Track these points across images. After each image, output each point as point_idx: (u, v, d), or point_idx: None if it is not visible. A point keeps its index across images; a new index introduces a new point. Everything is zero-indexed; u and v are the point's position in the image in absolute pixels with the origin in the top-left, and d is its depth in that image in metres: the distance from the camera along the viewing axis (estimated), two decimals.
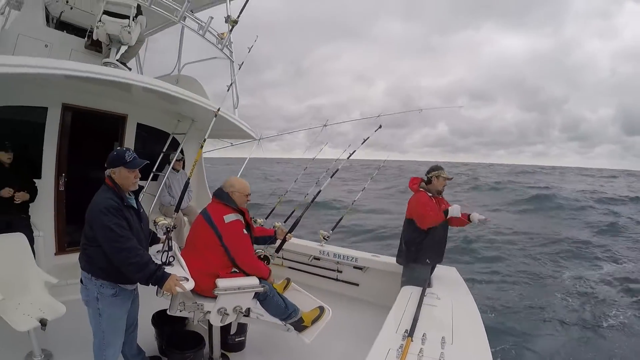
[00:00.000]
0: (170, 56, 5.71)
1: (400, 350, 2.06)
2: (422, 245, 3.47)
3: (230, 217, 2.63)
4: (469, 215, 3.52)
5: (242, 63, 4.69)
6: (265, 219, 4.99)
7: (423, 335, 2.25)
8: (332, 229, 4.98)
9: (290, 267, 4.92)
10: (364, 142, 4.69)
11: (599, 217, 18.65)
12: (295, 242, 4.79)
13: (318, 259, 4.78)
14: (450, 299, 3.09)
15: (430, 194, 3.55)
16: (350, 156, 4.66)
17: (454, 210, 3.32)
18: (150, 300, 2.54)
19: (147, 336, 2.81)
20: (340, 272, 4.72)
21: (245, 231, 2.68)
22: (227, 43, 4.76)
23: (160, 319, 2.87)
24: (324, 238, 4.79)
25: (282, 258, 4.93)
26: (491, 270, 10.03)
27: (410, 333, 2.25)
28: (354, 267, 4.60)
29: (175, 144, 5.10)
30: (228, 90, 3.84)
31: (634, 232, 15.43)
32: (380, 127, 4.80)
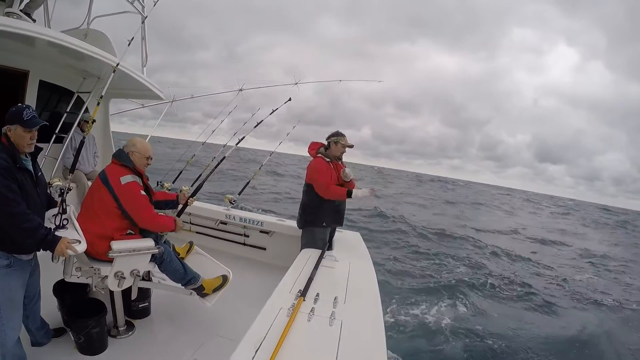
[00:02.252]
0: (83, 8, 5.30)
1: (291, 309, 2.14)
2: (319, 209, 3.64)
3: (127, 179, 2.58)
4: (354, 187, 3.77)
5: (146, 17, 4.56)
6: (173, 182, 4.97)
7: (316, 295, 2.39)
8: (239, 193, 5.16)
9: (198, 232, 5.02)
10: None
11: None
12: (201, 206, 4.91)
13: (225, 223, 4.91)
14: (349, 261, 3.26)
15: (328, 160, 3.70)
16: (257, 125, 4.78)
17: (358, 194, 3.55)
18: (54, 270, 2.48)
19: (51, 308, 2.76)
20: (248, 236, 4.90)
21: (143, 192, 2.65)
22: None
23: (62, 289, 2.82)
24: (230, 202, 4.93)
25: (190, 223, 5.02)
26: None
27: (303, 293, 2.37)
28: (261, 232, 4.79)
29: (80, 104, 4.81)
30: (129, 44, 3.66)
31: None
32: (290, 99, 4.92)
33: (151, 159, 2.81)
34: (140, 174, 2.73)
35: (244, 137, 4.37)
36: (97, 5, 5.08)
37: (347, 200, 3.77)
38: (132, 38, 3.69)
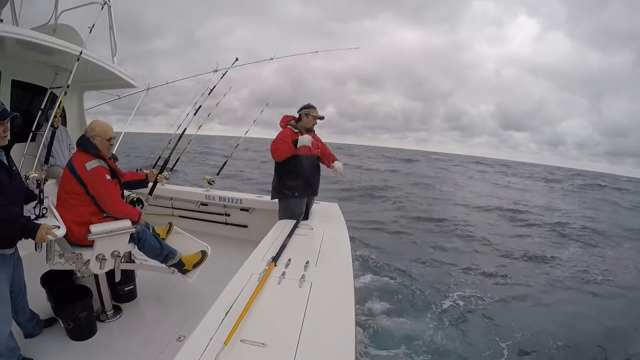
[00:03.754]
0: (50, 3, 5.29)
1: (262, 274, 2.26)
2: (289, 180, 3.80)
3: (91, 164, 2.66)
4: (334, 161, 3.99)
5: (110, 6, 4.64)
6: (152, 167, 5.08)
7: (288, 261, 2.54)
8: (217, 173, 5.30)
9: (181, 216, 5.16)
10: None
11: None
12: (180, 189, 5.08)
13: (205, 204, 5.06)
14: (323, 229, 3.43)
15: (297, 130, 3.85)
16: (212, 90, 4.90)
17: (304, 139, 3.63)
18: (42, 264, 2.62)
19: (42, 300, 2.88)
20: (229, 215, 5.07)
21: (108, 177, 2.74)
22: None
23: (49, 279, 2.93)
24: (208, 182, 5.09)
25: (172, 207, 5.18)
26: None
27: (274, 259, 2.52)
28: (241, 210, 4.94)
29: (55, 100, 4.86)
30: (90, 31, 3.71)
31: None
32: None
33: (113, 139, 2.86)
34: (104, 158, 2.79)
35: (200, 107, 4.53)
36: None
37: (328, 169, 4.05)
38: (94, 25, 3.74)
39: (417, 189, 22.22)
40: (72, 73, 3.57)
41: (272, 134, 3.94)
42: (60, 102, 3.57)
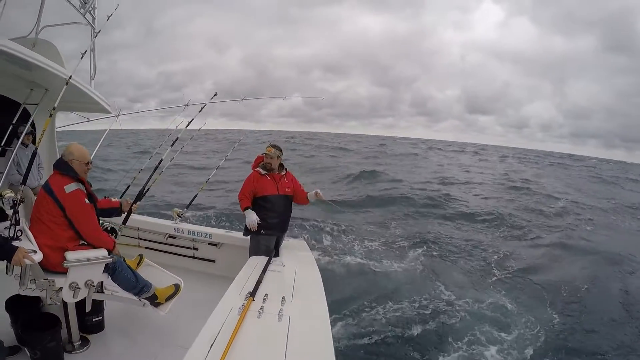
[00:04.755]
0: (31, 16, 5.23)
1: (241, 308, 2.33)
2: (260, 218, 3.91)
3: (70, 187, 2.67)
4: (307, 194, 4.16)
5: (99, 31, 4.61)
6: (120, 197, 5.01)
7: (265, 296, 2.61)
8: (187, 207, 5.32)
9: (147, 248, 5.09)
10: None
11: None
12: (149, 221, 5.05)
13: (174, 237, 5.03)
14: (295, 265, 3.52)
15: (265, 172, 4.08)
16: (188, 125, 5.03)
17: (248, 219, 3.88)
18: (4, 288, 2.61)
19: (4, 325, 2.81)
20: (197, 249, 5.04)
21: (87, 201, 2.75)
22: (90, 8, 4.59)
23: (15, 305, 2.86)
24: (178, 215, 5.10)
25: (139, 238, 5.12)
26: None
27: (252, 294, 2.59)
28: (209, 244, 4.95)
29: (27, 116, 4.75)
30: (82, 57, 3.73)
31: None
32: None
33: (91, 163, 2.91)
34: (82, 182, 2.81)
35: (177, 139, 4.50)
36: (47, 15, 5.06)
37: (305, 204, 4.31)
38: (85, 51, 3.76)
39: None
40: (60, 96, 3.54)
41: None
42: (45, 124, 3.53)
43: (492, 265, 8.87)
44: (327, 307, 2.60)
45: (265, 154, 4.06)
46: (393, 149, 51.61)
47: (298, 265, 3.55)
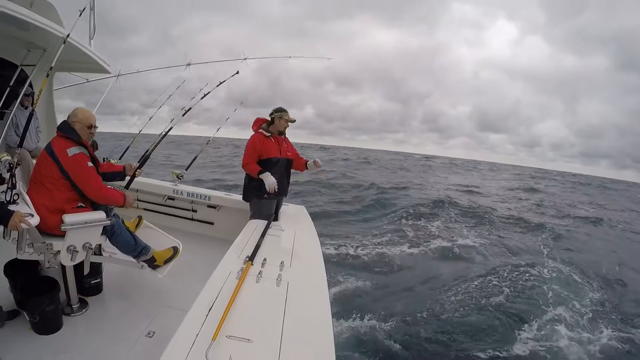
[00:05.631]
0: None
1: (240, 272, 2.35)
2: (260, 181, 3.91)
3: (73, 150, 2.67)
4: (306, 162, 4.17)
5: None
6: (119, 158, 4.99)
7: (264, 260, 2.63)
8: (186, 168, 5.33)
9: (145, 209, 5.14)
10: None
11: None
12: (148, 182, 5.07)
13: (173, 198, 5.07)
14: (294, 230, 3.55)
15: (269, 134, 4.02)
16: (204, 96, 4.81)
17: (268, 182, 3.81)
18: (3, 252, 2.60)
19: (3, 290, 2.83)
20: (195, 211, 5.10)
21: (90, 164, 2.74)
22: None
23: (13, 269, 2.87)
24: (177, 177, 5.11)
25: (137, 200, 5.13)
26: None
27: (251, 258, 2.61)
28: (208, 206, 4.99)
29: (25, 78, 4.70)
30: (80, 15, 3.64)
31: None
32: (237, 72, 4.96)
33: (94, 127, 2.87)
34: (85, 145, 2.80)
35: (190, 109, 4.46)
36: None
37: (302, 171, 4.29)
38: (84, 8, 3.66)
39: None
40: (57, 56, 3.47)
41: (248, 133, 4.09)
42: (42, 84, 3.47)
43: None
44: (325, 273, 2.63)
45: (288, 120, 4.04)
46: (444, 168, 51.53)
47: (297, 230, 3.58)
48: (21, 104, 4.63)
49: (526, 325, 6.07)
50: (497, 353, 5.24)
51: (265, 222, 3.58)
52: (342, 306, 6.04)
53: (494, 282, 7.75)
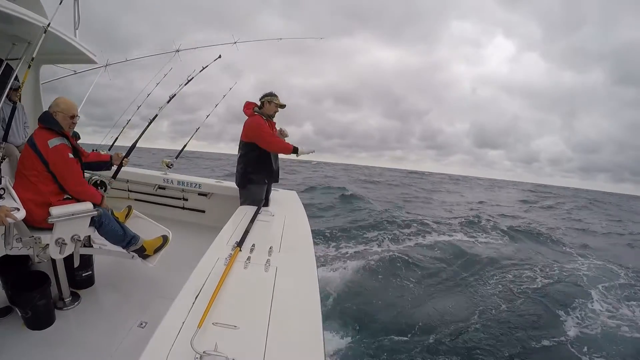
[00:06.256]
0: None
1: (228, 259, 2.33)
2: (260, 167, 3.93)
3: (54, 142, 2.66)
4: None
5: None
6: (109, 150, 4.96)
7: (252, 246, 2.63)
8: (176, 157, 5.32)
9: (137, 200, 5.15)
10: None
11: None
12: (138, 172, 5.03)
13: (163, 188, 5.08)
14: (284, 216, 3.56)
15: (265, 118, 4.00)
16: (188, 82, 4.75)
17: (304, 150, 3.82)
18: None
19: None
20: (186, 200, 5.12)
21: (71, 155, 2.73)
22: None
23: (3, 265, 2.87)
24: (167, 166, 5.11)
25: (128, 190, 5.15)
26: None
27: (239, 244, 2.60)
28: (199, 194, 5.01)
29: (9, 72, 4.63)
30: (61, 3, 3.58)
31: None
32: (220, 56, 4.93)
33: (76, 117, 2.86)
34: (67, 136, 2.78)
35: (175, 95, 4.44)
36: None
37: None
38: None
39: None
40: (38, 46, 3.43)
41: None
42: (25, 75, 3.42)
43: None
44: (314, 258, 2.62)
45: (278, 105, 4.02)
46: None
47: (287, 216, 3.59)
48: (9, 98, 4.58)
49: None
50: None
51: (255, 207, 3.58)
52: None
53: None
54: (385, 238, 11.12)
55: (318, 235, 10.38)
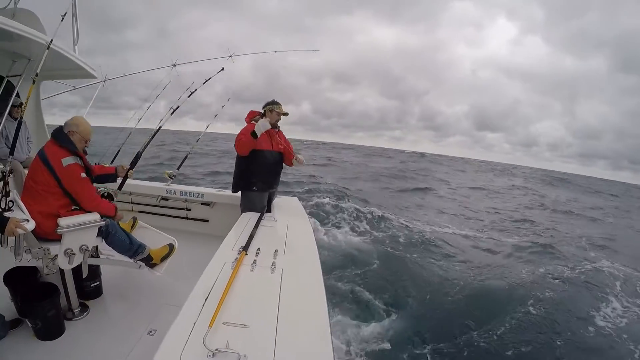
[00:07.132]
0: None
1: (234, 263, 2.40)
2: (250, 174, 3.99)
3: (68, 160, 2.71)
4: (293, 157, 4.18)
5: None
6: (111, 163, 5.03)
7: (257, 250, 2.69)
8: (178, 167, 5.36)
9: (140, 211, 5.20)
10: None
11: None
12: (141, 184, 5.11)
13: (166, 199, 5.14)
14: (287, 221, 3.62)
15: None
16: (191, 94, 4.82)
17: (259, 126, 3.81)
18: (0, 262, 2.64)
19: (4, 299, 2.86)
20: (190, 210, 5.18)
21: (84, 174, 2.80)
22: None
23: (12, 277, 2.91)
24: (170, 177, 5.14)
25: (131, 203, 5.21)
26: None
27: (245, 248, 2.67)
28: (202, 204, 5.07)
29: (13, 90, 4.74)
30: (62, 20, 3.68)
31: None
32: (222, 69, 5.03)
33: (89, 142, 2.94)
34: (80, 156, 2.84)
35: (178, 107, 4.52)
36: None
37: (292, 166, 4.27)
38: (65, 13, 3.70)
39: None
40: (42, 62, 3.52)
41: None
42: (29, 91, 3.50)
43: None
44: (319, 259, 2.69)
45: (281, 113, 4.08)
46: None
47: (290, 220, 3.65)
48: (10, 115, 4.67)
49: None
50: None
51: (258, 214, 3.65)
52: None
53: None
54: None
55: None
